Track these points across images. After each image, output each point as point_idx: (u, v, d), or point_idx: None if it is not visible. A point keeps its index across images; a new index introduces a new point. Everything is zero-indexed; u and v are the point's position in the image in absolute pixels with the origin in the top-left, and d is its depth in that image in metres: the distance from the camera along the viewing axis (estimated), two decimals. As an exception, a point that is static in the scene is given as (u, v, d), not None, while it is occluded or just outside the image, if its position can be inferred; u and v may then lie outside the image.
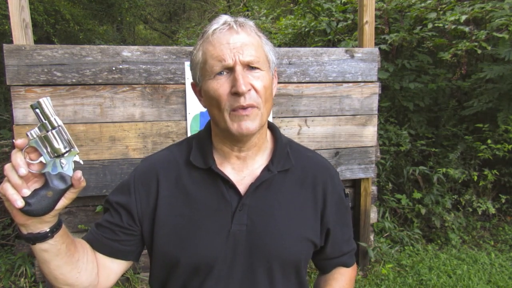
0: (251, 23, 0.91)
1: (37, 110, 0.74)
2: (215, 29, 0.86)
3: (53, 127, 0.75)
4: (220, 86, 0.85)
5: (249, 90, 0.85)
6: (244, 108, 0.84)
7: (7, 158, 3.34)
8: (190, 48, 2.55)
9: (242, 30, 0.86)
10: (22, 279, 2.67)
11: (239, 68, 0.84)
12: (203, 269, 0.91)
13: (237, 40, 0.85)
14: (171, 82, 2.50)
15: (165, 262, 0.93)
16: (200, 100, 0.96)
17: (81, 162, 0.79)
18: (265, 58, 0.90)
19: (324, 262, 1.08)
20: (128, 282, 2.68)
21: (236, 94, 0.84)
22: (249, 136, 0.90)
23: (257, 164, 0.96)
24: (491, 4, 3.41)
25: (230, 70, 0.85)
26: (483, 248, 3.54)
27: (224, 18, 0.88)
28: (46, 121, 0.75)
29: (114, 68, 2.40)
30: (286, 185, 0.96)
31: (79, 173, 0.77)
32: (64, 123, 0.77)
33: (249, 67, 0.86)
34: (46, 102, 0.75)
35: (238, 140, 0.91)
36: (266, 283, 0.93)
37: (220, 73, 0.86)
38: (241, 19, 0.89)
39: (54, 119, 0.75)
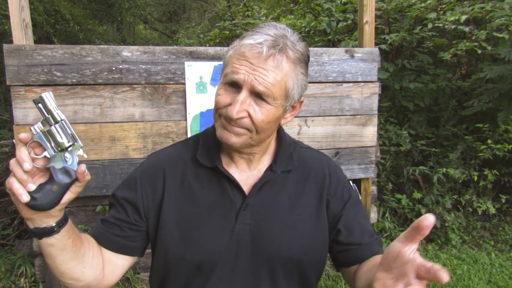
0: (291, 51, 0.83)
1: (40, 105, 0.74)
2: (248, 44, 0.82)
3: (56, 122, 0.75)
4: (224, 96, 0.85)
5: (243, 117, 0.83)
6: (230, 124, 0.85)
7: (7, 158, 3.34)
8: (190, 48, 2.55)
9: (271, 59, 0.81)
10: (22, 279, 2.67)
11: (244, 93, 0.82)
12: (206, 267, 0.91)
13: (260, 66, 0.81)
14: (171, 82, 2.50)
15: (168, 258, 0.93)
16: None
17: (85, 155, 0.79)
18: (282, 94, 0.85)
19: (350, 252, 0.97)
20: (128, 282, 2.68)
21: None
22: (233, 147, 0.89)
23: (261, 165, 0.97)
24: (491, 4, 3.41)
25: (239, 87, 0.84)
26: (483, 248, 3.54)
27: (264, 36, 0.82)
28: (49, 116, 0.74)
29: (114, 68, 2.40)
30: (289, 185, 0.97)
31: (83, 167, 0.78)
32: None
33: (258, 95, 0.83)
34: (49, 97, 0.74)
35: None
36: (268, 283, 0.93)
37: (231, 84, 0.85)
38: (287, 42, 0.83)
39: (57, 113, 0.75)
